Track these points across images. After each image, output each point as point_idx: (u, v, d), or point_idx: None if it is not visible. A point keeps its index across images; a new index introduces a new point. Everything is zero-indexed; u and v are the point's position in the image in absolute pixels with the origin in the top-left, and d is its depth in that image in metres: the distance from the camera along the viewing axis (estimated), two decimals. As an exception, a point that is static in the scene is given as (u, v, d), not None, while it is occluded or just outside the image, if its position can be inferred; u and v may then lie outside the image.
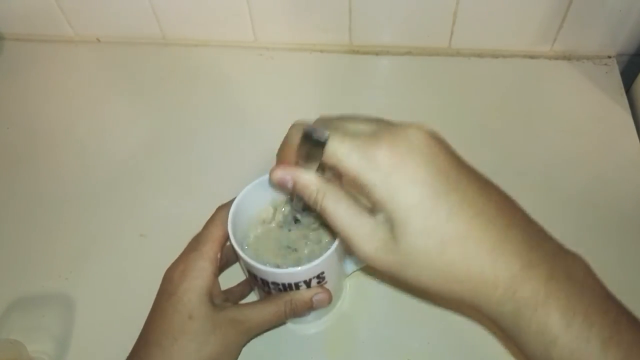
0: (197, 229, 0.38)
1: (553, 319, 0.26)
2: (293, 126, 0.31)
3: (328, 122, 0.29)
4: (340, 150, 0.27)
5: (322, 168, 0.29)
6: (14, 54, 0.64)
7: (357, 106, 0.56)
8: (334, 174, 0.31)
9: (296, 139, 0.29)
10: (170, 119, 0.57)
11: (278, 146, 0.53)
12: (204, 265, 0.35)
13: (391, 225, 0.27)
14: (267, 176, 0.37)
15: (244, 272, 0.41)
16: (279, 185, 0.31)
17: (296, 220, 0.38)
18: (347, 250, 0.35)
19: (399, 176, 0.26)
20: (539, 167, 0.51)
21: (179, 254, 0.38)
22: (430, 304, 0.42)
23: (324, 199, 0.29)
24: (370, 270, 0.30)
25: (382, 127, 0.28)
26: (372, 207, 0.28)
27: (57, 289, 0.46)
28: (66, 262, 0.47)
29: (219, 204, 0.48)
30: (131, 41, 0.63)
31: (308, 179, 0.29)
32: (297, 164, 0.30)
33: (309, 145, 0.28)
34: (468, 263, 0.26)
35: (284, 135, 0.31)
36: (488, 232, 0.27)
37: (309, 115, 0.56)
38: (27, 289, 0.46)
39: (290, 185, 0.30)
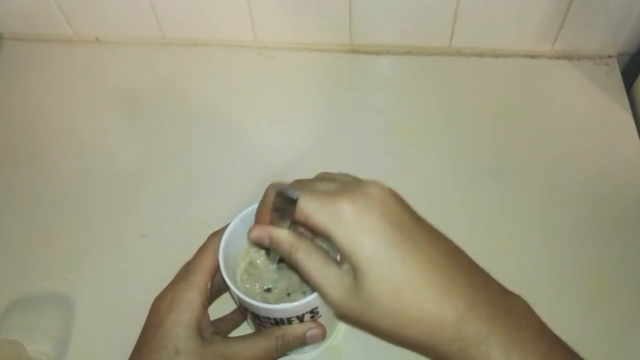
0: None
1: (493, 354, 0.28)
2: (270, 187, 0.33)
3: (300, 182, 0.33)
4: (307, 207, 0.30)
5: (295, 224, 0.32)
6: (13, 53, 0.64)
7: (357, 106, 0.56)
8: (307, 229, 0.33)
9: (271, 200, 0.32)
10: (170, 119, 0.57)
11: (277, 146, 0.54)
12: (193, 297, 0.34)
13: (355, 274, 0.30)
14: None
15: (235, 302, 0.40)
16: (257, 242, 0.33)
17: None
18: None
19: (358, 228, 0.29)
20: (539, 167, 0.51)
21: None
22: None
23: (296, 253, 0.31)
24: (341, 317, 0.32)
25: (345, 186, 0.31)
26: (340, 258, 0.31)
27: (57, 289, 0.46)
28: (66, 262, 0.47)
29: (219, 204, 0.49)
30: (131, 41, 0.63)
31: (282, 236, 0.32)
32: (272, 222, 0.33)
33: (283, 204, 0.31)
34: (419, 307, 0.29)
35: (262, 196, 0.34)
36: (437, 277, 0.29)
37: (309, 114, 0.56)
38: (27, 289, 0.46)
39: (267, 242, 0.33)
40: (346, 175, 0.35)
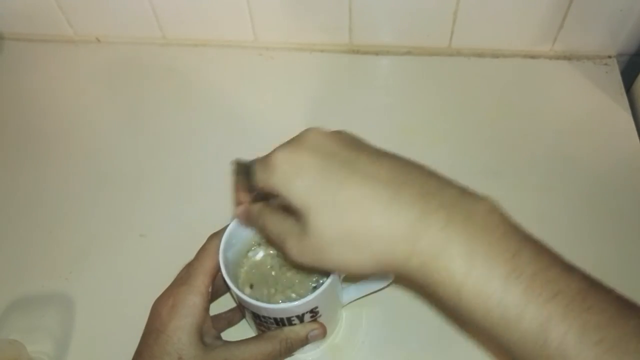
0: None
1: (455, 264, 0.26)
2: (232, 172, 0.34)
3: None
4: (254, 173, 0.30)
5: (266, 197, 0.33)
6: (13, 53, 0.64)
7: (357, 106, 0.56)
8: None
9: (236, 181, 0.33)
10: (170, 119, 0.57)
11: (277, 146, 0.53)
12: (195, 301, 0.34)
13: (300, 216, 0.29)
14: None
15: (235, 302, 0.40)
16: (242, 221, 0.34)
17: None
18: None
19: (289, 170, 0.29)
20: (539, 167, 0.51)
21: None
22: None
23: (259, 218, 0.32)
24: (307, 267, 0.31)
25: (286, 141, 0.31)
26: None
27: (57, 289, 0.46)
28: (66, 262, 0.47)
29: (219, 204, 0.48)
30: (131, 41, 0.63)
31: (252, 206, 0.33)
32: (240, 202, 0.34)
33: (245, 180, 0.31)
34: (367, 224, 0.27)
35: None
36: (380, 192, 0.27)
37: (309, 114, 0.56)
38: (27, 289, 0.46)
39: (244, 216, 0.33)
40: None
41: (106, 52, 0.63)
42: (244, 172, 0.31)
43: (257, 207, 0.33)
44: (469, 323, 0.27)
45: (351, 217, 0.27)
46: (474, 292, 0.26)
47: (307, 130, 0.30)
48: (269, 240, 0.32)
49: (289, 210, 0.30)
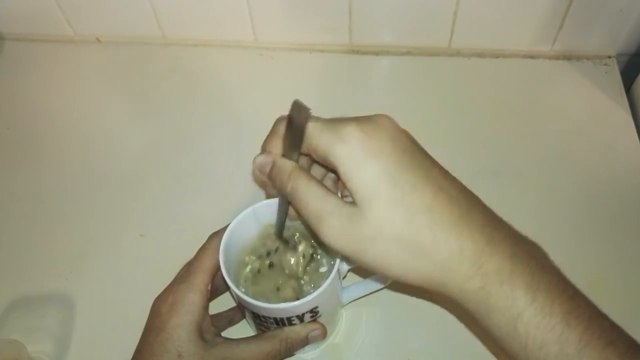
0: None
1: (518, 293, 0.26)
2: (279, 119, 0.32)
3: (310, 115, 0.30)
4: (314, 130, 0.28)
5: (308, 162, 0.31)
6: (14, 54, 0.64)
7: (357, 106, 0.56)
8: (315, 160, 0.31)
9: (281, 129, 0.30)
10: (170, 119, 0.57)
11: (344, 117, 0.53)
12: (194, 299, 0.34)
13: (357, 200, 0.27)
14: (259, 204, 0.36)
15: (235, 301, 0.40)
16: (259, 171, 0.31)
17: (285, 241, 0.37)
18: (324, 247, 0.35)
19: (365, 149, 0.27)
20: (538, 167, 0.51)
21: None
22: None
23: (296, 181, 0.29)
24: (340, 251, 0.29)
25: (354, 117, 0.29)
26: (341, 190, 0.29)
27: (57, 289, 0.46)
28: (66, 262, 0.47)
29: (219, 204, 0.49)
30: (131, 41, 0.63)
31: (284, 163, 0.30)
32: (267, 150, 0.31)
33: (292, 131, 0.29)
34: (434, 233, 0.26)
35: (272, 126, 0.32)
36: (452, 208, 0.27)
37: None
38: (27, 289, 0.46)
39: (267, 168, 0.31)
40: None
41: (106, 52, 0.63)
42: (296, 118, 0.28)
43: (292, 165, 0.29)
44: (517, 353, 0.27)
45: (419, 221, 0.26)
46: (533, 322, 0.26)
47: (382, 116, 0.29)
48: (298, 209, 0.29)
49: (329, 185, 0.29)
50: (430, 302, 0.43)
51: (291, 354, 0.37)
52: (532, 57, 0.59)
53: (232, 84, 0.59)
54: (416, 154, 0.28)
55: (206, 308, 0.35)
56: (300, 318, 0.35)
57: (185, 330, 0.33)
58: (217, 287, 0.38)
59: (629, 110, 0.54)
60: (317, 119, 0.29)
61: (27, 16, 0.62)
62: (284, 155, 0.30)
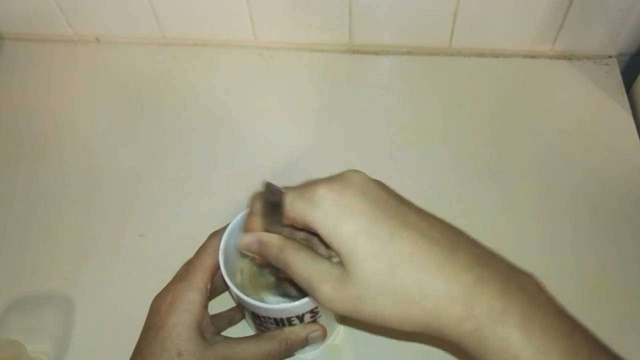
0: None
1: (513, 334, 0.26)
2: (252, 197, 0.32)
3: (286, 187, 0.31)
4: (288, 203, 0.29)
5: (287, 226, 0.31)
6: (13, 53, 0.64)
7: (357, 106, 0.56)
8: (298, 228, 0.32)
9: (257, 206, 0.31)
10: (170, 119, 0.57)
11: (277, 146, 0.53)
12: (193, 297, 0.34)
13: (342, 260, 0.28)
14: None
15: (235, 301, 0.40)
16: (247, 251, 0.32)
17: None
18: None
19: (338, 210, 0.27)
20: (539, 167, 0.51)
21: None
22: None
23: (284, 253, 0.30)
24: (338, 313, 0.31)
25: (322, 178, 0.30)
26: (330, 255, 0.29)
27: (57, 289, 0.46)
28: (66, 262, 0.47)
29: (219, 204, 0.49)
30: (131, 41, 0.63)
31: (269, 238, 0.31)
32: (264, 230, 0.31)
33: (271, 209, 0.30)
34: (419, 281, 0.26)
35: (249, 205, 0.33)
36: (434, 251, 0.27)
37: (309, 114, 0.56)
38: (27, 289, 0.46)
39: (255, 247, 0.31)
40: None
41: (106, 52, 0.63)
42: (270, 197, 0.29)
43: (279, 240, 0.30)
44: None
45: (403, 270, 0.26)
46: None
47: (351, 172, 0.29)
48: (291, 278, 0.30)
49: (318, 250, 0.30)
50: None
51: (291, 355, 0.37)
52: (532, 57, 0.59)
53: (232, 84, 0.59)
54: (389, 204, 0.28)
55: (205, 307, 0.35)
56: (300, 318, 0.34)
57: (185, 328, 0.33)
58: (216, 286, 0.38)
59: (629, 110, 0.54)
60: (290, 189, 0.29)
61: (26, 16, 0.62)
62: (267, 230, 0.31)
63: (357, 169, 0.30)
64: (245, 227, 0.32)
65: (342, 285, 0.28)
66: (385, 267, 0.27)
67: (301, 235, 0.33)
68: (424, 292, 0.26)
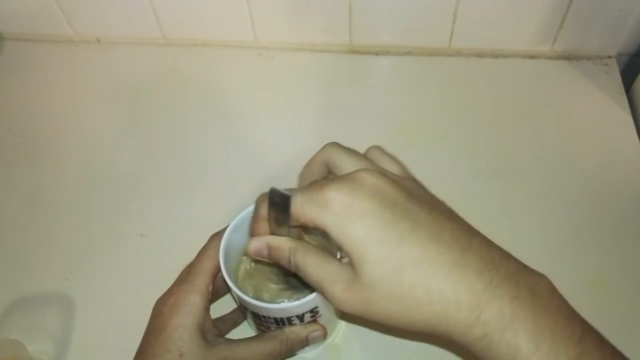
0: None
1: (521, 341, 0.25)
2: (257, 200, 0.32)
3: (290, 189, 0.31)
4: (296, 204, 0.28)
5: (299, 231, 0.31)
6: (13, 54, 0.64)
7: (357, 106, 0.56)
8: (306, 230, 0.32)
9: (263, 211, 0.31)
10: (170, 119, 0.57)
11: (277, 146, 0.53)
12: (195, 299, 0.34)
13: (352, 262, 0.28)
14: None
15: (236, 302, 0.40)
16: (257, 256, 0.32)
17: None
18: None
19: (347, 213, 0.27)
20: (539, 167, 0.51)
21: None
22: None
23: (295, 255, 0.30)
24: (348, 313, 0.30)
25: (332, 177, 0.30)
26: (340, 255, 0.30)
27: (57, 289, 0.46)
28: (66, 262, 0.47)
29: (219, 204, 0.49)
30: (131, 41, 0.63)
31: (279, 242, 0.30)
32: (271, 233, 0.31)
33: (278, 213, 0.29)
34: (427, 286, 0.26)
35: (254, 209, 0.32)
36: (443, 256, 0.27)
37: (308, 114, 0.56)
38: (27, 289, 0.46)
39: (265, 252, 0.31)
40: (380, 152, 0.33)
41: (106, 52, 0.63)
42: (277, 201, 0.29)
43: (290, 243, 0.30)
44: None
45: (411, 276, 0.26)
46: None
47: (362, 172, 0.29)
48: (304, 279, 0.30)
49: (328, 250, 0.30)
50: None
51: (292, 355, 0.37)
52: (532, 57, 0.59)
53: (232, 84, 0.59)
54: (399, 205, 0.28)
55: (207, 309, 0.36)
56: (300, 318, 0.35)
57: (187, 330, 0.34)
58: (218, 289, 0.38)
59: (629, 110, 0.54)
60: (298, 191, 0.29)
61: (27, 16, 0.62)
62: (274, 233, 0.31)
63: (371, 167, 0.29)
64: (252, 232, 0.32)
65: (352, 287, 0.28)
66: (393, 272, 0.27)
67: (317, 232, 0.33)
68: (432, 298, 0.26)
